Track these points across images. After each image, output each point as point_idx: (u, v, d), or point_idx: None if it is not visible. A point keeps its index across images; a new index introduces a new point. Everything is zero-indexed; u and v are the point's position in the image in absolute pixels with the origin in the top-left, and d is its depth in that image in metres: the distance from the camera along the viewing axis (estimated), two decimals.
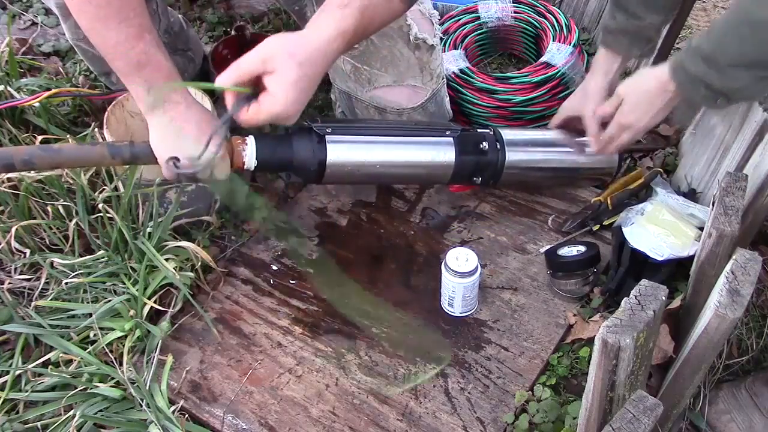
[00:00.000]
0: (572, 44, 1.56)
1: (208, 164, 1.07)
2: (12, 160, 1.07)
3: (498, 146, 1.29)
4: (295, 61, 0.98)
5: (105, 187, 1.28)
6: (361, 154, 1.23)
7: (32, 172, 1.27)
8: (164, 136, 1.08)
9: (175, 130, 1.07)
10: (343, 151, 1.20)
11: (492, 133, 1.31)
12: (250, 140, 1.16)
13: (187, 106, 1.08)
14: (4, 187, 1.26)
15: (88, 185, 1.29)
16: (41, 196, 1.29)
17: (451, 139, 1.26)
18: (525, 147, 1.33)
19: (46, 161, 1.11)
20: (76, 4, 0.99)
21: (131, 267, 1.22)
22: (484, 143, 1.28)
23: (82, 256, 1.25)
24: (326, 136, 1.19)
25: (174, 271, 1.19)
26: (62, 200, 1.29)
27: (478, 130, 1.32)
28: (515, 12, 1.68)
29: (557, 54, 1.54)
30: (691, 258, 1.14)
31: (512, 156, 1.30)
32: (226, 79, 1.00)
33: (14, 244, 1.24)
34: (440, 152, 1.26)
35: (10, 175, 1.29)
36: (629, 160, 1.49)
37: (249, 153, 1.16)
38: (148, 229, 1.23)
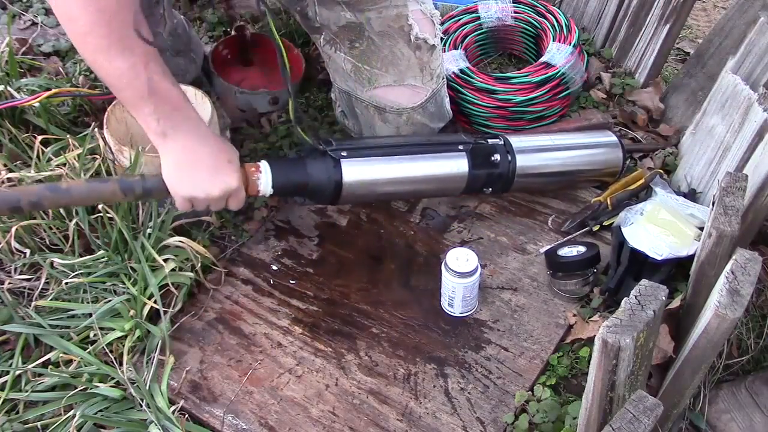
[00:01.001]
0: (572, 44, 1.56)
1: (222, 198, 1.08)
2: (19, 203, 1.03)
3: (509, 157, 1.30)
4: None
5: None
6: (376, 174, 1.23)
7: (31, 177, 1.27)
8: (178, 169, 1.06)
9: (189, 163, 1.05)
10: (359, 173, 1.20)
11: (503, 143, 1.31)
12: (264, 167, 1.15)
13: (200, 136, 1.06)
14: (5, 188, 1.26)
15: None
16: None
17: (464, 153, 1.27)
18: (534, 154, 1.34)
19: (54, 202, 1.07)
20: (79, 38, 0.98)
21: (131, 267, 1.22)
22: (496, 155, 1.29)
23: (82, 256, 1.25)
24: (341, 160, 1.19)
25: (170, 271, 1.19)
26: None
27: (489, 141, 1.32)
28: (515, 12, 1.68)
29: (557, 54, 1.54)
30: (690, 258, 1.14)
31: (522, 166, 1.31)
32: None
33: (14, 244, 1.24)
34: (454, 168, 1.27)
35: (10, 175, 1.29)
36: (630, 161, 1.49)
37: (264, 181, 1.14)
38: (148, 230, 1.23)
